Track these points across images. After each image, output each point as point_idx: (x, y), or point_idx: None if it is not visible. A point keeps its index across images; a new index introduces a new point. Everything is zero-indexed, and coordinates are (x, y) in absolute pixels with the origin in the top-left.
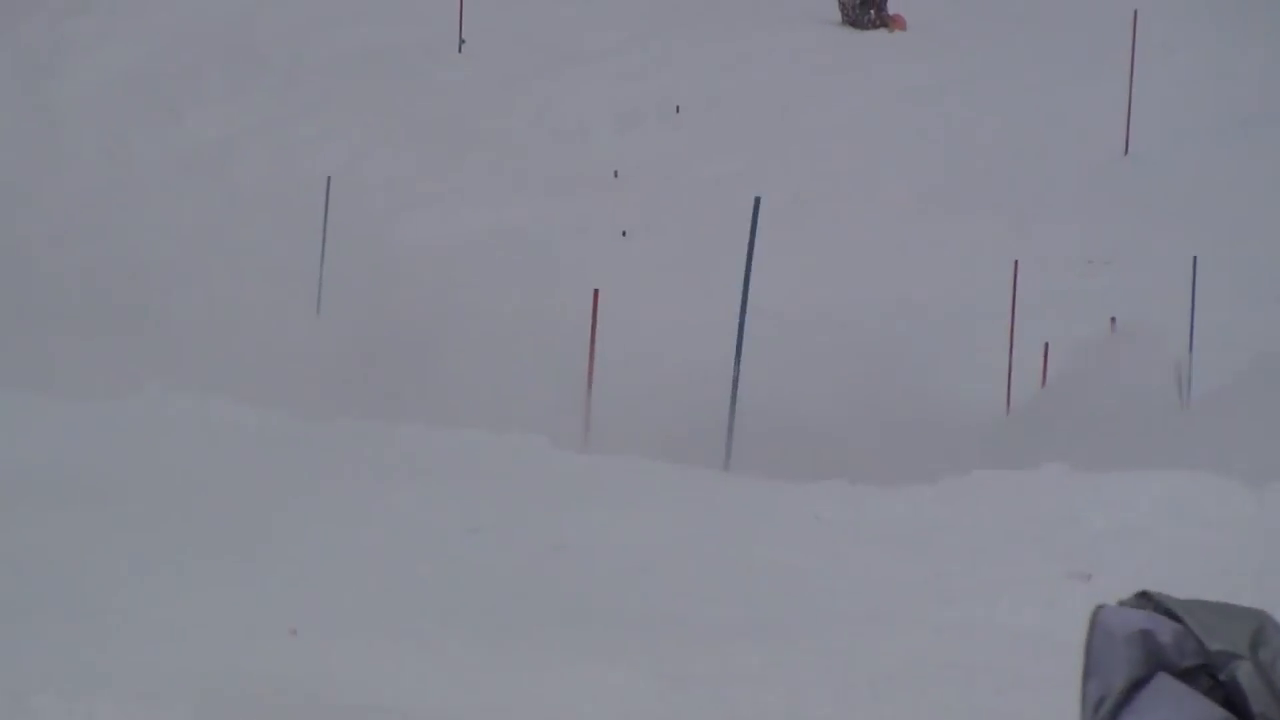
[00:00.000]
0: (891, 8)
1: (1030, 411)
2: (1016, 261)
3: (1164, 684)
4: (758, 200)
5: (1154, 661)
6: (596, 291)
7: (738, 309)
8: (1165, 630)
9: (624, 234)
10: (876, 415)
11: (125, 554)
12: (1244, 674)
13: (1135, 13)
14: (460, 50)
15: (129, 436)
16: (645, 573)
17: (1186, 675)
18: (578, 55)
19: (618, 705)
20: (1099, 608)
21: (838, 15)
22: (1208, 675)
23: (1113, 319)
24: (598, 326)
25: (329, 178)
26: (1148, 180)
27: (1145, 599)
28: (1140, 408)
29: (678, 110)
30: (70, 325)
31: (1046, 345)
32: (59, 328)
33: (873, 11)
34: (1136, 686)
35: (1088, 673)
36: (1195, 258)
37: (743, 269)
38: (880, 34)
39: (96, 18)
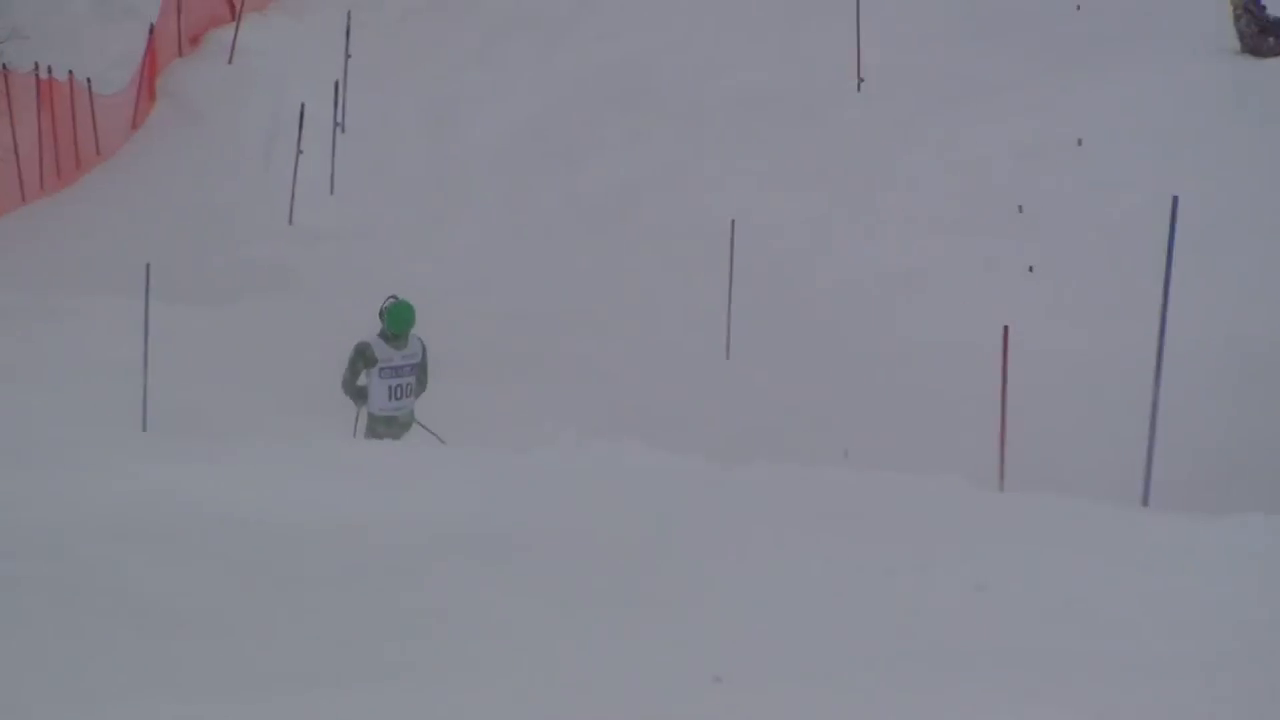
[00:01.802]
0: None
1: None
2: None
3: None
4: (1176, 199)
5: None
6: (1006, 328)
7: (1146, 339)
8: None
9: (1030, 269)
10: None
11: (543, 604)
12: None
13: None
14: (859, 89)
15: (544, 485)
16: (1069, 610)
17: None
18: (976, 91)
19: None
20: None
21: (1235, 43)
22: None
23: None
24: (1008, 363)
25: (733, 221)
26: None
27: None
28: None
29: (1079, 144)
30: (476, 374)
31: None
32: (464, 377)
33: (1272, 39)
34: None
35: None
36: None
37: (1153, 300)
38: None
39: (494, 69)
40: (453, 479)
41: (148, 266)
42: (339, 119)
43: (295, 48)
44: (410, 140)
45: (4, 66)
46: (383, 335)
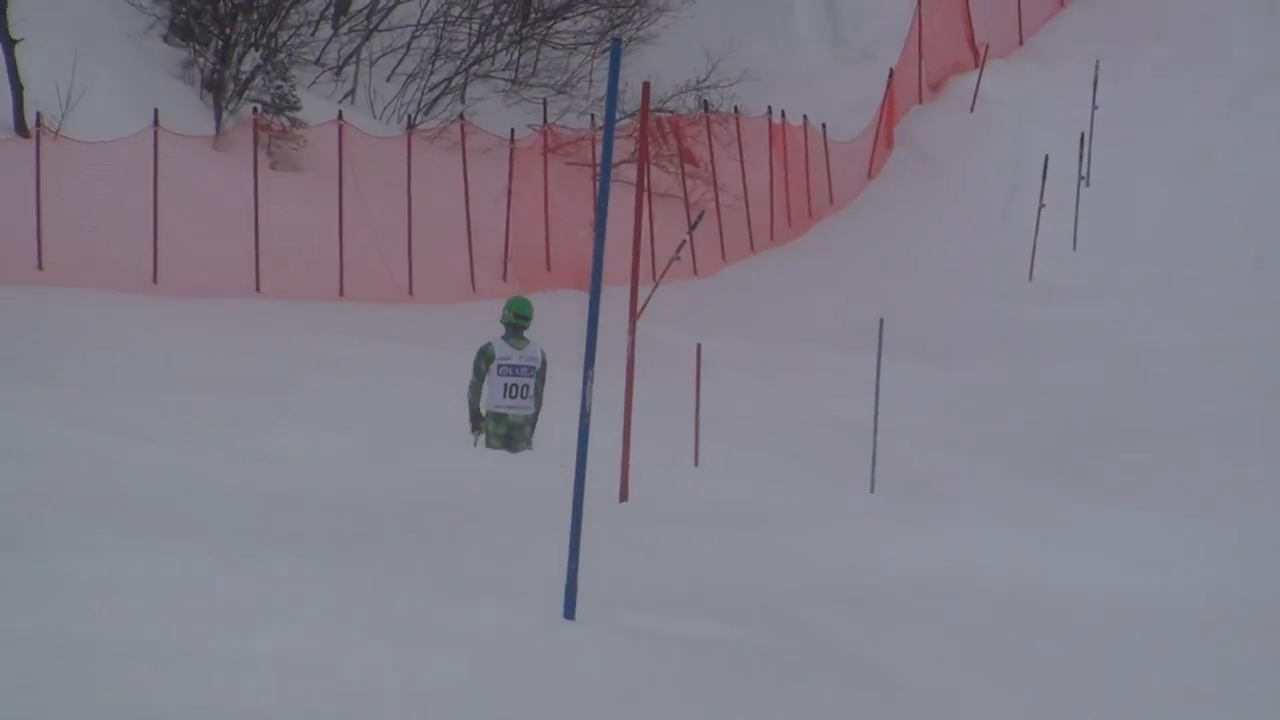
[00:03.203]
0: None
1: None
2: None
3: None
4: None
5: None
6: None
7: None
8: None
9: None
10: None
11: None
12: None
13: None
14: None
15: None
16: None
17: None
18: None
19: None
20: None
21: None
22: None
23: None
24: None
25: None
26: None
27: None
28: None
29: None
30: (1223, 442)
31: None
32: (1205, 444)
33: None
34: None
35: None
36: None
37: None
38: None
39: (1245, 123)
40: (1196, 552)
41: (881, 321)
42: (1083, 171)
43: (1039, 97)
44: (1156, 195)
45: (736, 109)
46: (504, 336)
